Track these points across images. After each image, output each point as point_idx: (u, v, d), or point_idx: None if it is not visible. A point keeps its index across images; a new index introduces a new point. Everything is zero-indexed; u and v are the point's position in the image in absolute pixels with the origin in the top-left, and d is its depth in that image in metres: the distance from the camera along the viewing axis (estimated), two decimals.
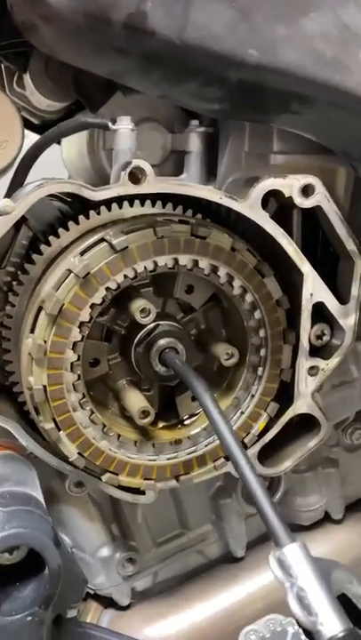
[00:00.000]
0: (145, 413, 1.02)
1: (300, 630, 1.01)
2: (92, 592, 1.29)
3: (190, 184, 1.00)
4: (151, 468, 1.06)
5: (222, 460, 1.11)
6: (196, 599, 1.28)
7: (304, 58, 0.75)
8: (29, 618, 0.89)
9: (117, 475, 1.04)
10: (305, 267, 1.06)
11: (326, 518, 1.41)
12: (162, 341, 1.02)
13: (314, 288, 1.08)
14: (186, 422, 1.13)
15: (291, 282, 1.09)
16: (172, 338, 1.03)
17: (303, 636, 1.01)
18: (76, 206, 1.09)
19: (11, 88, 1.43)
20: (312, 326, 1.12)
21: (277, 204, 1.07)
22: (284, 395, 1.15)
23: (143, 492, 1.11)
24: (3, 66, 1.51)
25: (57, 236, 1.04)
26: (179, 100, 0.92)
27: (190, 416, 1.14)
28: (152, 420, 1.02)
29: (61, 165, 1.57)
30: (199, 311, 1.12)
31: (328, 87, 0.77)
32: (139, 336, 1.03)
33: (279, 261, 1.08)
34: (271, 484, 1.33)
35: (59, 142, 1.66)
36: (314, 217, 1.10)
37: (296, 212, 1.08)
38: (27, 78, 1.39)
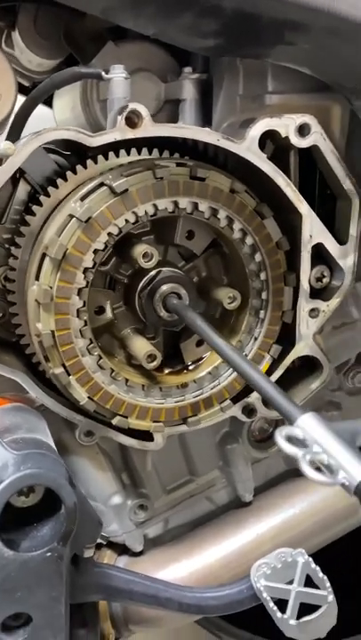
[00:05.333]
0: (151, 357, 1.03)
1: (310, 559, 1.06)
2: (105, 541, 1.33)
3: (187, 126, 1.01)
4: (160, 410, 1.08)
5: (228, 401, 1.14)
6: (207, 543, 1.32)
7: None
8: (49, 554, 0.92)
9: (127, 417, 1.06)
10: (303, 208, 1.07)
11: None
12: (165, 287, 1.04)
13: (313, 229, 1.09)
14: (190, 367, 1.15)
15: (290, 224, 1.11)
16: (175, 283, 1.05)
17: (313, 565, 1.05)
18: (73, 159, 1.09)
19: None
20: (312, 268, 1.13)
21: (274, 146, 1.08)
22: (287, 338, 1.17)
23: (151, 439, 1.14)
24: None
25: (56, 187, 1.04)
26: (172, 38, 0.92)
27: (195, 361, 1.16)
28: (159, 363, 1.04)
29: None
30: (200, 258, 1.13)
31: (321, 12, 0.77)
32: (142, 283, 1.04)
33: (277, 204, 1.09)
34: (275, 430, 1.35)
35: (50, 105, 1.65)
36: (311, 158, 1.10)
37: (293, 154, 1.08)
38: (15, 36, 1.37)
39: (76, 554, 1.04)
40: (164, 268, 1.05)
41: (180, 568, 1.29)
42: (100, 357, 1.02)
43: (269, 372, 1.17)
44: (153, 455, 1.28)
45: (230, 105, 1.09)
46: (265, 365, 1.15)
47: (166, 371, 1.14)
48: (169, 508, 1.33)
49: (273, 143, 1.07)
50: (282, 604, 1.01)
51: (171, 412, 1.09)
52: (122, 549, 1.34)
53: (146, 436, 1.15)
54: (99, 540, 1.36)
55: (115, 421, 1.06)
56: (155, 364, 1.03)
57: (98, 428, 1.12)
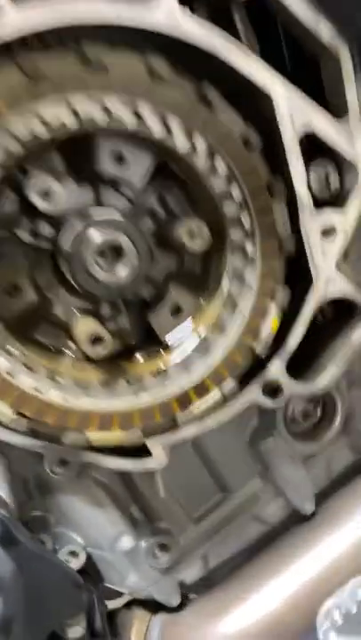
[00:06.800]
0: (97, 340, 0.72)
1: None
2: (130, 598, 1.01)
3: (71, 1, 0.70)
4: (130, 413, 0.76)
5: (230, 381, 0.80)
6: (263, 580, 0.97)
7: None
8: None
9: (84, 431, 0.75)
10: (266, 76, 0.73)
11: None
12: (97, 237, 0.73)
13: (292, 106, 0.75)
14: (170, 346, 0.82)
15: (266, 115, 0.76)
16: (112, 229, 0.74)
17: None
18: None
19: None
20: (309, 168, 0.78)
21: (207, 5, 0.75)
22: (303, 280, 0.82)
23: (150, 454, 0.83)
24: None
25: None
26: None
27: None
28: (108, 347, 0.74)
29: None
30: (148, 193, 0.81)
31: None
32: (64, 238, 0.74)
33: (239, 88, 0.75)
34: (325, 413, 0.99)
35: None
36: (268, 18, 0.77)
37: (236, 8, 0.75)
38: None
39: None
40: (93, 213, 0.75)
41: (234, 621, 0.95)
42: (24, 354, 0.72)
43: (285, 330, 0.82)
44: (165, 476, 0.96)
45: None
46: (273, 321, 0.80)
47: (140, 359, 0.83)
48: (203, 542, 1.00)
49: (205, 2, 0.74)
50: None
51: (148, 412, 0.77)
52: (156, 606, 1.02)
53: (144, 453, 0.83)
54: (126, 598, 1.05)
55: (67, 439, 0.75)
56: (102, 348, 0.73)
57: (72, 453, 0.82)
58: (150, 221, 0.82)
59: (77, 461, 0.84)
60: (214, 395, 0.79)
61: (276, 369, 0.84)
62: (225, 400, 0.80)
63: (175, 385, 0.78)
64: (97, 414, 0.75)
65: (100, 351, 0.73)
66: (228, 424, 0.90)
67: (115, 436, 0.76)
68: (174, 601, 0.98)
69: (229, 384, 0.80)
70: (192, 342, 0.80)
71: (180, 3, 0.70)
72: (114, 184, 0.79)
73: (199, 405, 0.79)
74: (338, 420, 0.99)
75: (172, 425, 0.79)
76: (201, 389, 0.78)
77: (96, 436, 0.75)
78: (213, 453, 0.97)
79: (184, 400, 0.78)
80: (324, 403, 1.00)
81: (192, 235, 0.75)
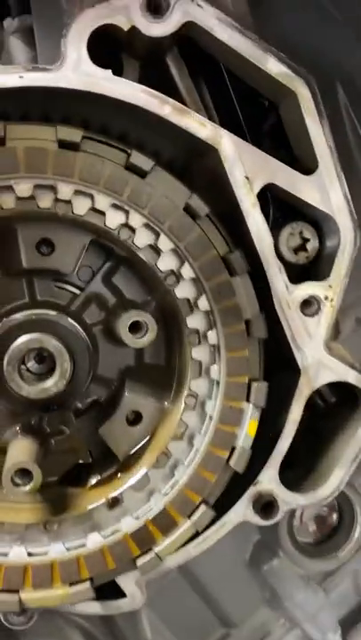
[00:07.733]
0: (21, 473, 0.57)
1: None
2: None
3: None
4: (75, 560, 0.60)
5: (203, 507, 0.63)
6: None
7: None
8: None
9: (17, 592, 0.59)
10: (209, 129, 0.60)
11: None
12: (20, 342, 0.60)
13: (245, 162, 0.61)
14: (128, 465, 0.66)
15: (214, 174, 0.63)
16: (37, 333, 0.60)
17: None
18: None
19: None
20: (280, 231, 0.64)
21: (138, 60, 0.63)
22: (285, 367, 0.66)
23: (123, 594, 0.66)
24: None
25: None
26: None
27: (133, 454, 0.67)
28: (36, 483, 0.58)
29: None
30: (93, 279, 0.68)
31: None
32: None
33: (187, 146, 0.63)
34: (341, 517, 0.80)
35: None
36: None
37: (171, 57, 0.63)
38: None
39: None
40: (17, 314, 0.62)
41: None
42: None
43: (270, 430, 0.66)
44: (150, 613, 0.78)
45: (52, 26, 0.68)
46: (250, 424, 0.64)
47: (93, 480, 0.67)
48: None
49: (130, 53, 0.62)
50: None
51: (96, 558, 0.60)
52: None
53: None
54: None
55: None
56: (30, 486, 0.57)
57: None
58: (98, 310, 0.68)
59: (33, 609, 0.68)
60: (184, 528, 0.62)
61: (266, 479, 0.67)
62: (194, 528, 0.63)
63: (131, 518, 0.62)
64: (32, 567, 0.59)
65: (26, 488, 0.57)
66: (221, 543, 0.73)
67: (56, 594, 0.59)
68: None
69: (201, 512, 0.63)
70: (151, 457, 0.64)
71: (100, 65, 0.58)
72: (48, 274, 0.66)
73: (165, 544, 0.62)
74: (358, 527, 0.79)
75: (132, 569, 0.63)
76: (165, 521, 0.62)
77: (31, 596, 0.59)
78: (207, 580, 0.79)
79: (144, 538, 0.61)
80: (340, 505, 0.81)
81: (136, 328, 0.61)
